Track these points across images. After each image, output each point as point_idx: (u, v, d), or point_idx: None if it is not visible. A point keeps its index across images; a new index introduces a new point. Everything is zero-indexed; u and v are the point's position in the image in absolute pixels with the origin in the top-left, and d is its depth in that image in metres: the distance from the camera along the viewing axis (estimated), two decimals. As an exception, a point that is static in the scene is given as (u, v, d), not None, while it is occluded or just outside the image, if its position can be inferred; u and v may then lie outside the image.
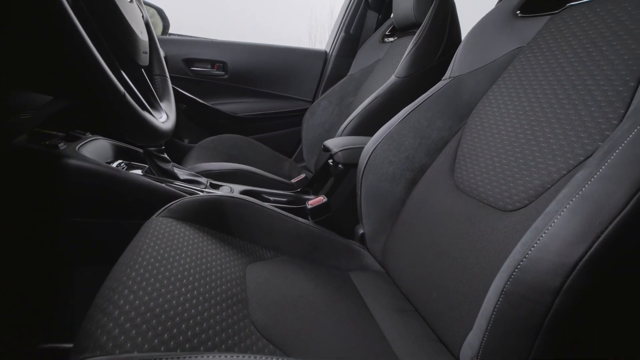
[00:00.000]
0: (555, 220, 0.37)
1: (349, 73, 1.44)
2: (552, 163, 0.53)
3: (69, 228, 0.73)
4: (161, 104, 0.51)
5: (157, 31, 1.66)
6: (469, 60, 0.78)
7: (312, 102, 1.62)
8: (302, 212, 0.90)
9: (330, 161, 0.94)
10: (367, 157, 0.79)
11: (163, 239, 0.60)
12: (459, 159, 0.70)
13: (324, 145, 0.94)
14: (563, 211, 0.37)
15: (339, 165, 0.88)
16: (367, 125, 1.01)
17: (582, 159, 0.50)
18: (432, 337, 0.59)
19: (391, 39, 1.34)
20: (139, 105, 0.41)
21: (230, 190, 0.89)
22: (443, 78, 0.81)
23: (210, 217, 0.72)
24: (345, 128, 1.02)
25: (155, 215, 0.68)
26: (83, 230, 0.73)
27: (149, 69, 0.50)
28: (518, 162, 0.58)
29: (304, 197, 0.98)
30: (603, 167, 0.38)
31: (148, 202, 0.77)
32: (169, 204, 0.70)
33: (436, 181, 0.73)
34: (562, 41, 0.62)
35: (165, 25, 1.61)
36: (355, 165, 0.85)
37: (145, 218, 0.69)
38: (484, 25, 0.78)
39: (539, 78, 0.62)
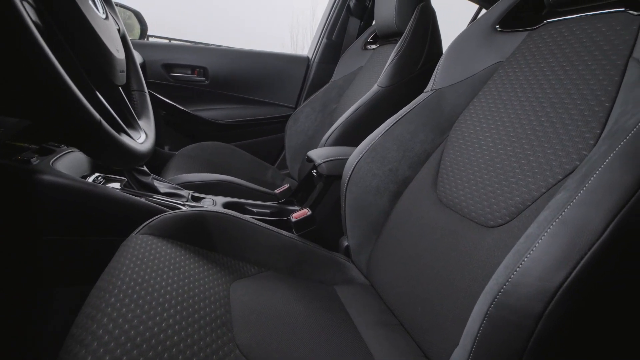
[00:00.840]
0: (537, 245, 0.38)
1: (332, 80, 1.44)
2: (532, 181, 0.54)
3: (44, 247, 0.70)
4: (139, 122, 0.49)
5: (134, 34, 1.62)
6: (450, 73, 0.79)
7: (295, 108, 1.61)
8: (287, 225, 0.90)
9: (314, 172, 0.94)
10: (351, 169, 0.79)
11: (143, 259, 0.58)
12: (442, 173, 0.71)
13: (307, 156, 0.94)
14: (544, 235, 0.38)
15: (323, 177, 0.88)
16: (350, 135, 1.01)
17: (560, 177, 0.51)
18: (418, 353, 0.60)
19: (373, 46, 1.34)
20: (117, 129, 0.39)
21: (212, 202, 0.87)
22: (425, 90, 0.82)
23: (193, 233, 0.70)
24: (328, 138, 1.02)
25: (135, 232, 0.66)
26: (59, 248, 0.71)
27: (126, 84, 0.48)
28: (499, 178, 0.59)
29: (288, 209, 0.98)
30: (581, 191, 0.39)
31: (127, 217, 0.75)
32: (149, 221, 0.68)
33: (419, 194, 0.73)
34: (540, 58, 0.63)
35: (143, 28, 1.57)
36: (339, 176, 0.84)
37: (125, 234, 0.67)
38: (465, 38, 0.80)
39: (518, 94, 0.64)
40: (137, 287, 0.51)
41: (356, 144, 1.02)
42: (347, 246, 0.83)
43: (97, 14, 0.39)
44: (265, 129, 1.58)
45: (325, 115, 1.41)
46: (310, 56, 1.60)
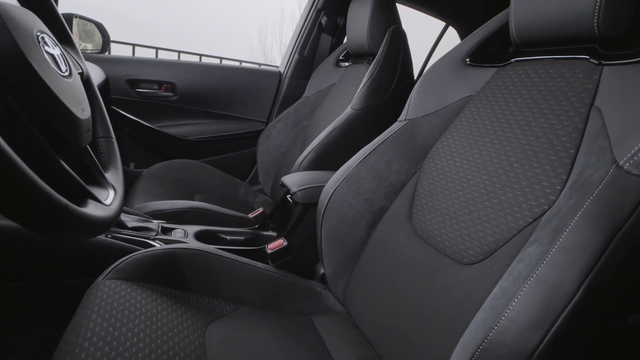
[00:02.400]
0: (514, 303, 0.39)
1: (304, 95, 1.43)
2: (504, 221, 0.56)
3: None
4: (107, 175, 0.46)
5: (95, 44, 1.54)
6: (423, 104, 0.80)
7: (267, 122, 1.59)
8: (262, 254, 0.88)
9: (288, 196, 0.93)
10: (327, 199, 0.79)
11: (111, 311, 0.55)
12: (417, 204, 0.72)
13: (281, 182, 0.92)
14: (520, 294, 0.39)
15: (298, 204, 0.87)
16: (325, 159, 1.01)
17: (530, 220, 0.53)
18: (397, 390, 0.60)
19: (346, 64, 1.35)
20: (82, 195, 0.37)
21: (184, 233, 0.84)
22: (399, 119, 0.83)
23: (164, 274, 0.68)
24: (302, 162, 1.01)
25: (101, 277, 0.63)
26: (13, 295, 0.66)
27: (92, 131, 0.46)
28: (472, 215, 0.61)
29: (263, 234, 0.96)
30: (554, 249, 0.40)
31: (93, 257, 0.71)
32: (117, 263, 0.65)
33: (395, 225, 0.74)
34: (509, 96, 0.66)
35: (106, 40, 1.49)
36: (314, 204, 0.84)
37: (91, 275, 0.64)
38: (437, 70, 0.81)
39: (489, 131, 0.66)
40: (106, 348, 0.48)
41: (330, 168, 1.02)
42: (323, 274, 0.82)
43: (58, 76, 0.36)
44: (236, 144, 1.55)
45: (297, 132, 1.40)
46: (282, 71, 1.59)
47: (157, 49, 2.58)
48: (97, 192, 0.41)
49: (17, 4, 0.47)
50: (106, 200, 0.41)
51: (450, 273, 0.60)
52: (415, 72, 1.22)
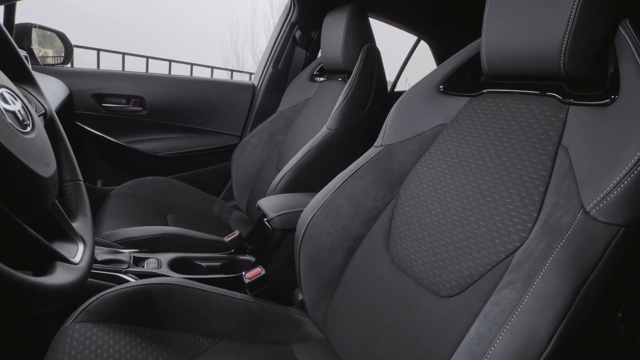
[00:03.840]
0: (491, 351, 0.40)
1: (279, 110, 1.42)
2: (478, 255, 0.57)
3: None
4: (74, 225, 0.44)
5: (56, 49, 1.47)
6: (398, 129, 0.81)
7: (241, 136, 1.57)
8: (239, 281, 0.87)
9: (265, 220, 0.92)
10: (304, 227, 0.78)
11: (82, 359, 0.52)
12: (394, 232, 0.73)
13: (257, 206, 0.91)
14: (497, 342, 0.40)
15: (276, 230, 0.86)
16: (301, 180, 1.00)
17: (503, 256, 0.54)
18: None
19: (320, 79, 1.35)
20: (50, 257, 0.35)
21: (157, 263, 0.82)
22: (375, 144, 0.83)
23: (138, 313, 0.65)
24: (278, 183, 1.00)
25: (71, 321, 0.60)
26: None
27: (57, 175, 0.43)
28: (448, 248, 0.62)
29: (240, 259, 0.94)
30: (527, 296, 0.42)
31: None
32: (86, 304, 0.62)
33: (373, 253, 0.75)
34: (480, 128, 0.68)
35: (68, 49, 1.42)
36: (292, 230, 0.83)
37: (58, 314, 0.60)
38: (412, 96, 0.82)
39: (462, 162, 0.67)
40: (77, 407, 0.46)
41: (307, 189, 1.02)
42: (302, 299, 0.82)
43: (19, 135, 0.34)
44: (209, 159, 1.52)
45: (272, 147, 1.39)
46: (255, 84, 1.57)
47: (123, 54, 2.49)
48: (64, 248, 0.39)
49: None
50: (75, 257, 0.39)
51: (428, 305, 0.61)
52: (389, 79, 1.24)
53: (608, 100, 0.52)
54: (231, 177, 1.44)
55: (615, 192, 0.43)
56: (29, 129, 0.37)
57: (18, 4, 1.05)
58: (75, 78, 1.29)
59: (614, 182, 0.43)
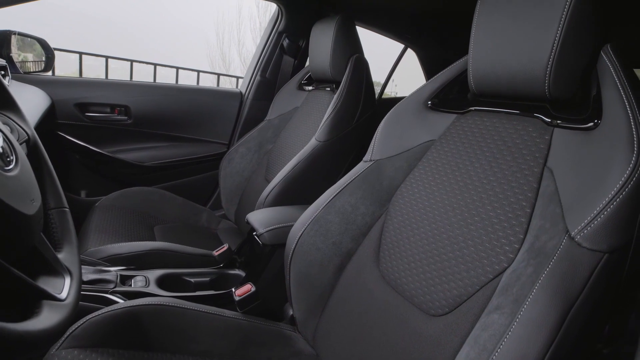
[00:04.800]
0: (481, 379, 0.41)
1: (267, 118, 1.41)
2: (467, 275, 0.58)
3: None
4: (60, 256, 0.43)
5: (37, 53, 1.43)
6: (387, 145, 0.81)
7: (229, 144, 1.55)
8: (229, 297, 0.86)
9: (255, 234, 0.91)
10: (294, 243, 0.78)
11: (69, 391, 0.51)
12: (383, 249, 0.73)
13: (247, 220, 0.91)
14: (487, 370, 0.41)
15: (265, 246, 0.86)
16: (290, 193, 1.00)
17: (491, 277, 0.55)
18: None
19: (309, 88, 1.35)
20: (36, 297, 0.34)
21: (145, 282, 0.80)
22: (364, 159, 0.84)
23: (126, 336, 0.64)
24: (267, 196, 1.00)
25: (56, 347, 0.58)
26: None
27: (42, 204, 0.42)
28: (437, 266, 0.63)
29: (229, 273, 0.94)
30: (516, 322, 0.43)
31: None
32: (72, 329, 0.61)
33: (363, 269, 0.75)
34: (468, 146, 0.69)
35: (49, 56, 1.39)
36: (282, 245, 0.83)
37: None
38: (400, 111, 0.83)
39: (450, 180, 0.68)
40: None
41: (296, 202, 1.02)
42: (292, 315, 0.82)
43: (1, 174, 0.33)
44: (197, 168, 1.50)
45: (261, 156, 1.38)
46: (243, 92, 1.56)
47: (107, 57, 2.45)
48: (50, 283, 0.38)
49: None
50: (61, 293, 0.38)
51: (418, 324, 0.62)
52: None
53: (592, 124, 0.54)
54: (219, 186, 1.43)
55: (598, 219, 0.44)
56: (12, 165, 0.36)
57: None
58: (58, 87, 1.26)
59: (598, 209, 0.44)
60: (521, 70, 0.60)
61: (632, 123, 0.46)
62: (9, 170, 0.35)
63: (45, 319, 0.33)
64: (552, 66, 0.56)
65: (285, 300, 0.86)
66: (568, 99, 0.58)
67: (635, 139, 0.45)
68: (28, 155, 0.46)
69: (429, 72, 1.90)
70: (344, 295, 0.76)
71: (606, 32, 0.57)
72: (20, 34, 1.27)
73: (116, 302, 0.72)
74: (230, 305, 0.83)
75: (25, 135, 0.46)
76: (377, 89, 1.75)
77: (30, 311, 0.34)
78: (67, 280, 0.40)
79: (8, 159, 0.36)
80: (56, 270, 0.40)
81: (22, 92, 1.08)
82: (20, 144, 0.44)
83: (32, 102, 1.05)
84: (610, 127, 0.49)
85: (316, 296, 0.78)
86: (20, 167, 0.36)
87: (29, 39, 1.43)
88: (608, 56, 0.55)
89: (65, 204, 0.48)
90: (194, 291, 0.85)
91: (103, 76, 2.65)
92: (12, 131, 0.44)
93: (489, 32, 0.63)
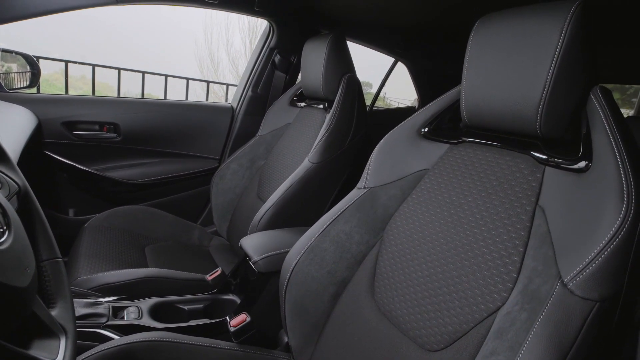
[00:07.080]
0: None
1: (259, 134, 1.41)
2: (461, 312, 0.59)
3: None
4: (54, 313, 0.42)
5: (21, 63, 1.39)
6: (380, 173, 0.82)
7: (220, 159, 1.54)
8: (223, 325, 0.85)
9: (249, 260, 0.91)
10: (290, 272, 0.78)
11: None
12: (378, 279, 0.74)
13: (240, 245, 0.90)
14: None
15: (260, 273, 0.86)
16: (283, 215, 1.00)
17: (485, 315, 0.56)
18: None
19: (301, 104, 1.34)
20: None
21: (138, 313, 0.79)
22: (358, 186, 0.84)
23: (120, 376, 0.63)
24: (260, 219, 0.99)
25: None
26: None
27: (34, 256, 0.41)
28: (432, 300, 0.64)
29: (223, 299, 0.93)
30: (512, 372, 0.43)
31: None
32: None
33: (358, 298, 0.75)
34: (461, 178, 0.69)
35: (35, 72, 1.35)
36: (276, 272, 0.83)
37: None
38: (394, 139, 0.83)
39: (444, 212, 0.69)
40: None
41: (290, 224, 1.01)
42: (288, 342, 0.82)
43: None
44: (188, 184, 1.49)
45: (253, 172, 1.37)
46: (234, 106, 1.55)
47: (94, 65, 2.40)
48: (44, 348, 0.37)
49: None
50: (57, 357, 0.37)
51: (413, 357, 0.62)
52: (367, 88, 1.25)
53: (583, 166, 0.55)
54: (210, 201, 1.41)
55: (590, 268, 0.45)
56: (4, 237, 0.35)
57: None
58: (44, 106, 1.23)
59: (589, 257, 0.45)
60: (513, 108, 0.60)
61: (622, 172, 0.48)
62: (2, 244, 0.34)
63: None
64: (544, 106, 0.57)
65: (281, 326, 0.86)
66: (559, 137, 0.59)
67: (624, 188, 0.46)
68: (19, 208, 0.45)
69: (419, 85, 1.92)
70: (340, 324, 0.76)
71: (595, 74, 0.58)
72: (4, 50, 1.24)
73: (110, 338, 0.71)
74: (225, 334, 0.83)
75: (16, 186, 0.45)
76: (367, 89, 1.75)
77: None
78: (62, 341, 0.39)
79: (0, 231, 0.35)
80: (50, 331, 0.39)
81: (7, 112, 1.06)
82: (11, 197, 0.43)
83: (17, 124, 1.02)
84: (601, 174, 0.50)
85: (312, 324, 0.78)
86: (13, 236, 0.36)
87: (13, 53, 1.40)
88: (597, 99, 0.56)
89: (58, 253, 0.47)
90: (188, 320, 0.84)
91: (90, 85, 2.61)
92: (1, 186, 0.42)
93: (481, 66, 0.64)
